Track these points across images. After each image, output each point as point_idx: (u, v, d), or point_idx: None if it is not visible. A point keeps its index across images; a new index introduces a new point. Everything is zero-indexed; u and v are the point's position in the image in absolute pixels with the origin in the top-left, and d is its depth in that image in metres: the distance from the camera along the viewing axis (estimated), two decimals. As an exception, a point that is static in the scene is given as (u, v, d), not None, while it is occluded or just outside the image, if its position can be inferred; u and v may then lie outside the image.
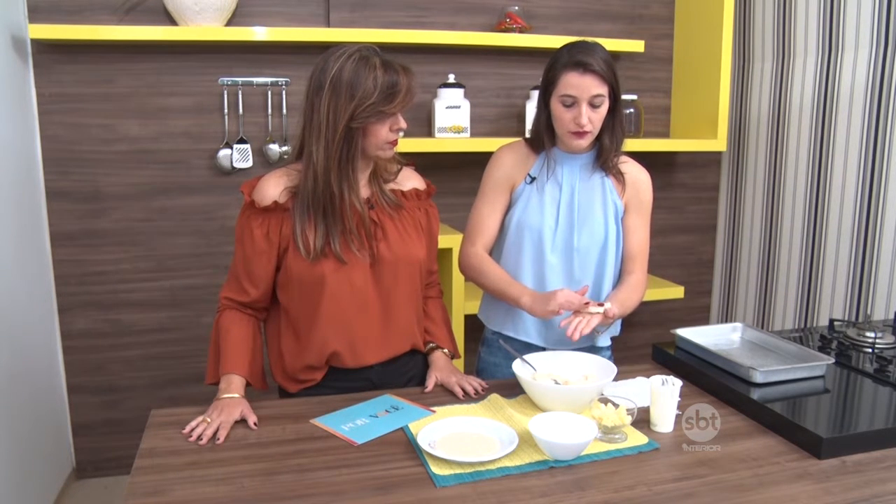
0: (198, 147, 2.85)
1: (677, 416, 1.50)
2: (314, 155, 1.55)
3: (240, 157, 2.87)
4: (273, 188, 1.62)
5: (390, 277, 1.68)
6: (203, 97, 2.82)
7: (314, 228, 1.59)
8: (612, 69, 1.71)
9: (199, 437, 1.44)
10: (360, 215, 1.62)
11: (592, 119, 1.71)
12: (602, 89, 1.69)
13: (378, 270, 1.66)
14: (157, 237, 2.88)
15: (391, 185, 1.72)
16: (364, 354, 1.69)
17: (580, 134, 1.73)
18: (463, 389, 1.69)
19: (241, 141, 2.86)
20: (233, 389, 1.58)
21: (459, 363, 2.71)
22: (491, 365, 1.96)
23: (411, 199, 1.74)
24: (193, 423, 1.48)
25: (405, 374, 1.79)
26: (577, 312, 1.67)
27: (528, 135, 1.90)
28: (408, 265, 1.70)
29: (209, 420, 1.48)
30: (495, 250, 1.91)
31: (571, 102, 1.71)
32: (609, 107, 1.74)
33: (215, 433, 1.45)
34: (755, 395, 1.59)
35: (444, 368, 1.77)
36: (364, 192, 1.67)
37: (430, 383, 1.72)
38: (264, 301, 1.71)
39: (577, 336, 1.63)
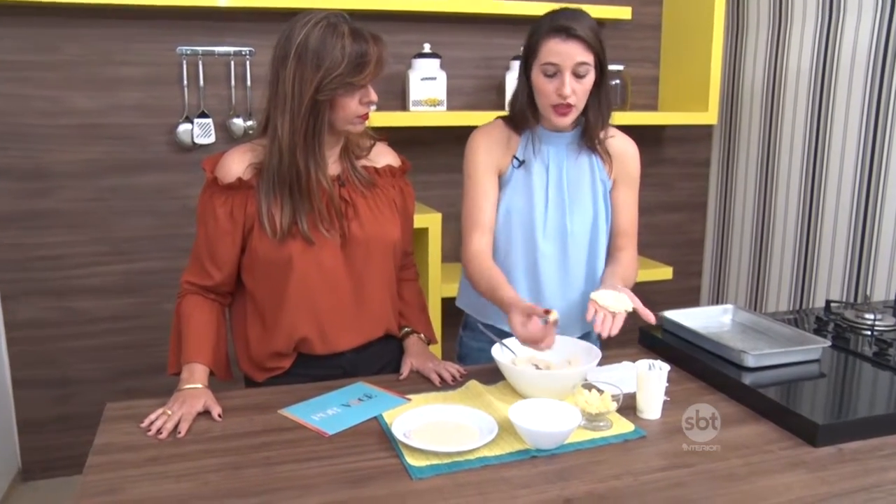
0: (155, 121, 2.82)
1: (665, 403, 1.52)
2: (279, 129, 1.55)
3: (201, 132, 2.84)
4: (237, 164, 1.61)
5: (362, 258, 1.68)
6: (159, 67, 2.79)
7: (280, 207, 1.59)
8: (598, 37, 1.68)
9: (159, 431, 1.43)
10: (328, 193, 1.62)
11: (577, 90, 1.68)
12: (587, 57, 1.67)
13: (349, 251, 1.67)
14: (111, 218, 2.85)
15: (363, 162, 1.72)
16: (335, 340, 1.70)
17: (563, 108, 1.70)
18: (440, 376, 1.70)
19: (203, 115, 2.83)
20: (195, 379, 1.58)
21: (437, 349, 2.72)
22: (474, 350, 1.96)
23: (385, 176, 1.74)
24: (152, 416, 1.47)
25: (379, 360, 1.80)
26: (593, 303, 1.62)
27: (506, 111, 1.86)
28: (381, 245, 1.70)
29: (170, 412, 1.47)
30: None
31: (554, 72, 1.68)
32: (595, 80, 1.72)
33: (176, 426, 1.45)
34: (747, 379, 1.61)
35: (419, 354, 1.78)
36: (334, 168, 1.66)
37: (405, 370, 1.73)
38: (229, 285, 1.71)
39: (605, 334, 1.58)
